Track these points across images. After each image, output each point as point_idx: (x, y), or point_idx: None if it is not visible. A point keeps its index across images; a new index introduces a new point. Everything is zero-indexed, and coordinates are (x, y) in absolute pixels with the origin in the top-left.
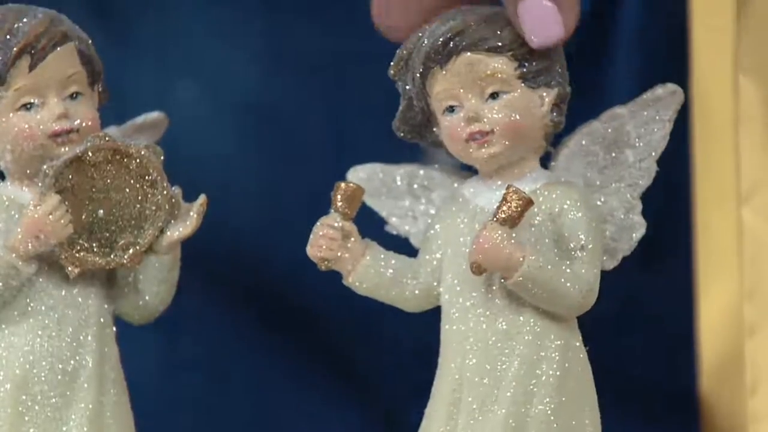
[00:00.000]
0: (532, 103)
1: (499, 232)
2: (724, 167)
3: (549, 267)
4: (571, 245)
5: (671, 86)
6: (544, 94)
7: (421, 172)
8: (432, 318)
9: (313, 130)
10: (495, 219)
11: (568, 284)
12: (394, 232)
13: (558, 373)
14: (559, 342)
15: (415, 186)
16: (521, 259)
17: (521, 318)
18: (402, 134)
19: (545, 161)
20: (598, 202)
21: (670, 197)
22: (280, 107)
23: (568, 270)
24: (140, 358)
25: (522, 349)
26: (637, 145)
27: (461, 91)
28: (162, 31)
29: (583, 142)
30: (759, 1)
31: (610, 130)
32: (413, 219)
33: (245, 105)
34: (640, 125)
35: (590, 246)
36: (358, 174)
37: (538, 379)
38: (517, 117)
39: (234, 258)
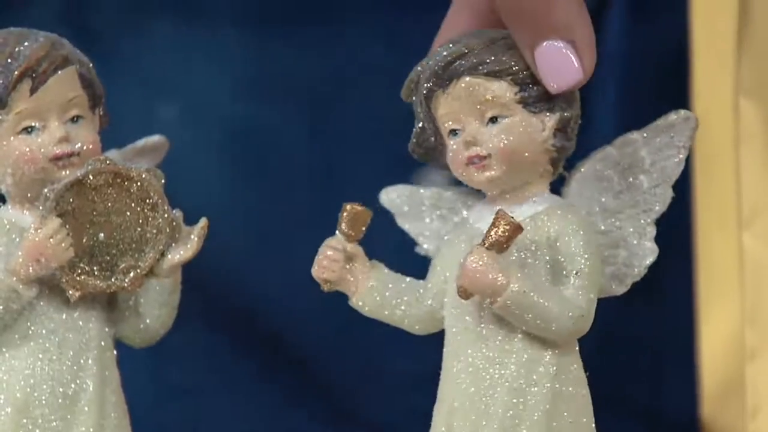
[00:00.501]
0: (531, 128)
1: (485, 256)
2: (725, 191)
3: (535, 292)
4: (566, 270)
5: (684, 112)
6: (546, 119)
7: (446, 194)
8: (428, 342)
9: (297, 152)
10: (482, 243)
11: (557, 309)
12: (423, 254)
13: (548, 399)
14: (550, 368)
15: (441, 208)
16: (505, 283)
17: (511, 344)
18: (417, 156)
19: (559, 185)
20: (612, 228)
21: (671, 221)
22: (263, 131)
23: (559, 295)
24: (133, 385)
25: (511, 375)
26: (652, 171)
27: (462, 114)
28: (143, 57)
29: (597, 167)
30: (760, 22)
31: (624, 156)
32: (441, 241)
33: (228, 129)
34: (654, 151)
35: (585, 271)
36: (389, 195)
37: (526, 405)
38: (515, 142)
39: (222, 284)
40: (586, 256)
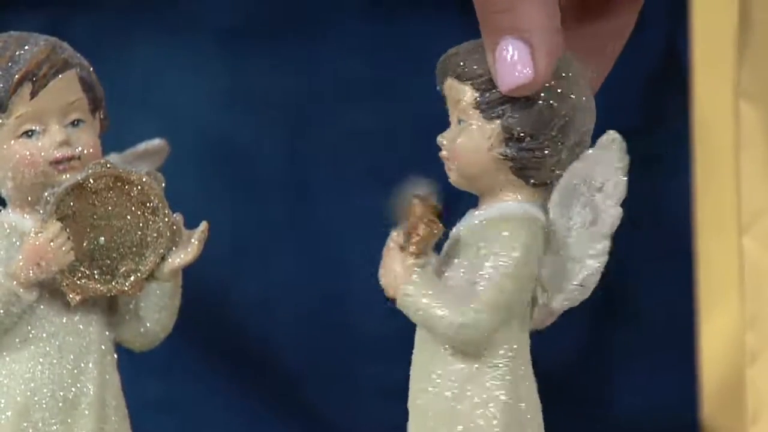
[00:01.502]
0: (479, 134)
1: (389, 256)
2: (725, 195)
3: (426, 296)
4: (475, 278)
5: (612, 134)
6: (494, 126)
7: None
8: (406, 354)
9: (275, 165)
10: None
11: (438, 316)
12: None
13: (439, 412)
14: (446, 380)
15: None
16: (400, 285)
17: (425, 352)
18: None
19: None
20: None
21: (671, 225)
22: (239, 144)
23: (456, 302)
24: None
25: (423, 385)
26: (603, 188)
27: (450, 113)
28: (122, 70)
29: (574, 181)
30: (760, 26)
31: (586, 172)
32: None
33: (205, 141)
34: (602, 170)
35: (487, 282)
36: None
37: (426, 414)
38: (459, 146)
39: (199, 296)
40: (495, 266)
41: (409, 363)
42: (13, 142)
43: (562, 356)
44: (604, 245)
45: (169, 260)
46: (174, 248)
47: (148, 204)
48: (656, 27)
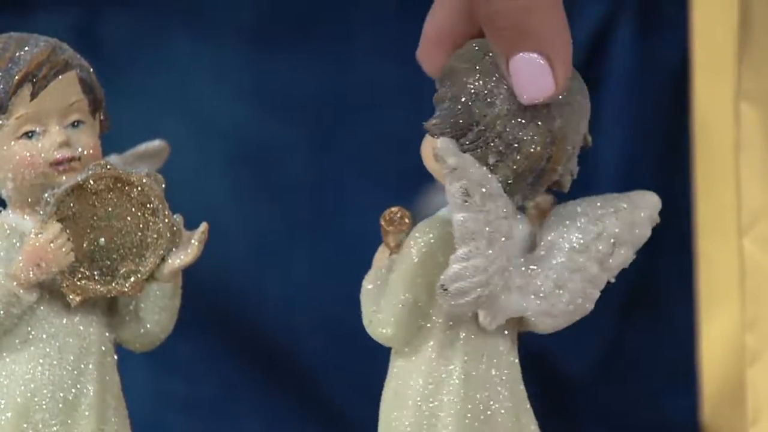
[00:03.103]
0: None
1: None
2: (726, 197)
3: (365, 294)
4: None
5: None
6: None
7: None
8: None
9: (299, 165)
10: None
11: (363, 313)
12: None
13: (384, 407)
14: (391, 374)
15: None
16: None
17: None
18: None
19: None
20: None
21: (671, 227)
22: (266, 143)
23: (375, 302)
24: (133, 395)
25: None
26: None
27: None
28: (152, 68)
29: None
30: (760, 26)
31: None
32: None
33: (231, 141)
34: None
35: (390, 284)
36: None
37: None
38: (422, 146)
39: (222, 294)
40: (396, 267)
41: None
42: (13, 143)
43: (560, 357)
44: (461, 252)
45: (169, 261)
46: (174, 249)
47: (148, 205)
48: (656, 27)
